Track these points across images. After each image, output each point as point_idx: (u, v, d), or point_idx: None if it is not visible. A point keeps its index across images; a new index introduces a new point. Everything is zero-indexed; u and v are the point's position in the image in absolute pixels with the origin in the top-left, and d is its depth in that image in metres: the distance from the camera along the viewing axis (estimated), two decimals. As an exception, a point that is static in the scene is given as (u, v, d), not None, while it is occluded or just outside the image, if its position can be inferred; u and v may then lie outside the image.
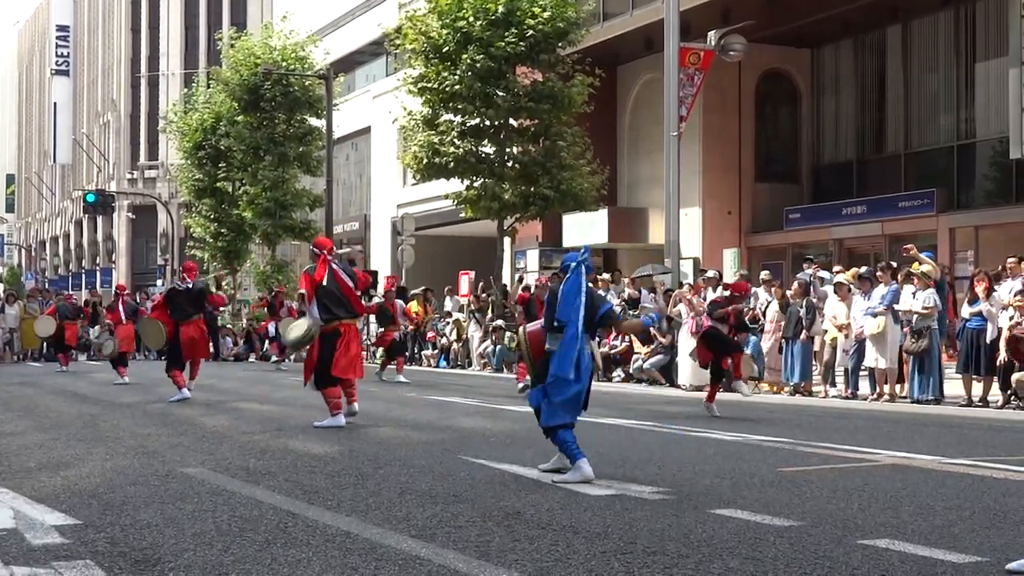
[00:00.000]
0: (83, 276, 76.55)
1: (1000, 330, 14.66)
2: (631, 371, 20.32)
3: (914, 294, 15.47)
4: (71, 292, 53.07)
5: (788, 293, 17.84)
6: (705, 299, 19.33)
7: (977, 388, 15.18)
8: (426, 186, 33.12)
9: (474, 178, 27.05)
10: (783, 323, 17.62)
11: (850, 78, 29.26)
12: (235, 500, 6.69)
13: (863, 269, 17.54)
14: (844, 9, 26.24)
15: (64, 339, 25.26)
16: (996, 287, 15.20)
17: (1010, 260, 15.99)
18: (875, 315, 15.82)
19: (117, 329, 19.70)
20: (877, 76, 28.61)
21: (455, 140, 26.86)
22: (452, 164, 26.76)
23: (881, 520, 6.09)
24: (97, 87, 78.07)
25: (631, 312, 21.02)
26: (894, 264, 16.57)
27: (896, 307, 15.62)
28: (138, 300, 21.71)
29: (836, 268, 20.04)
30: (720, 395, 13.59)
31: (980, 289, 15.11)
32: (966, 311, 15.33)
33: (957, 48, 26.23)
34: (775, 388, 17.77)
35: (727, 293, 14.51)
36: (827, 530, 5.79)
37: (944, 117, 26.84)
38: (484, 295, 27.10)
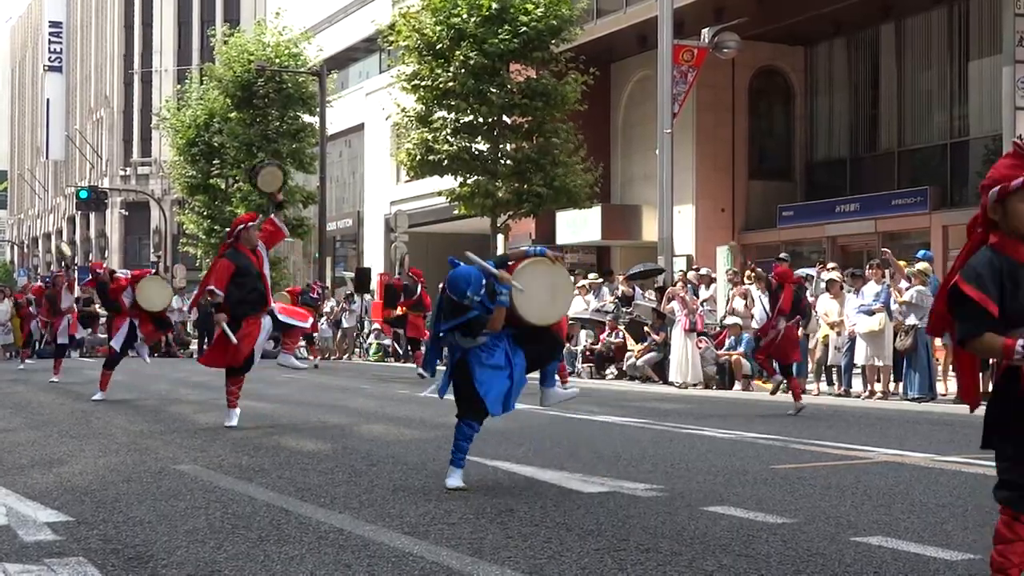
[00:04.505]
0: (76, 272, 76.43)
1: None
2: (624, 368, 20.34)
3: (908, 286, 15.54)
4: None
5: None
6: (698, 296, 19.40)
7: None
8: (420, 183, 33.12)
9: (467, 175, 27.06)
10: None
11: (844, 76, 29.29)
12: (228, 497, 6.69)
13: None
14: (838, 7, 26.26)
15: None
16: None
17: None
18: (871, 313, 15.84)
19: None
20: (871, 74, 28.64)
21: (448, 137, 26.87)
22: (446, 161, 26.78)
23: (874, 517, 6.10)
24: (90, 83, 77.92)
25: (625, 310, 21.11)
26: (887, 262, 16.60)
27: (897, 299, 15.59)
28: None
29: (831, 265, 20.06)
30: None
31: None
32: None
33: (950, 46, 26.27)
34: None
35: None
36: (820, 527, 5.80)
37: (937, 115, 26.88)
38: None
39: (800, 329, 14.01)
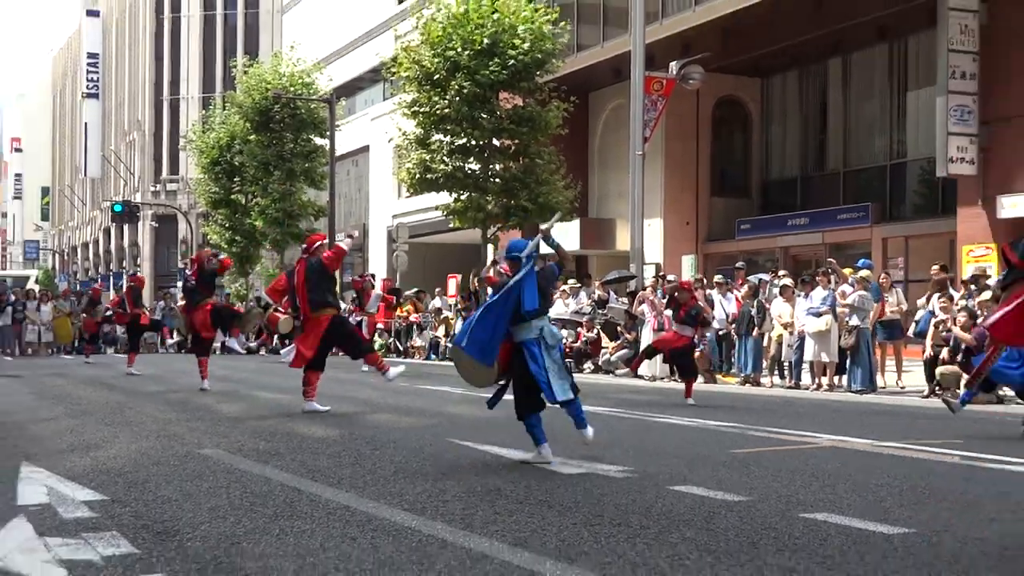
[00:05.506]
0: (111, 278, 76.28)
1: (945, 327, 14.74)
2: (600, 363, 20.37)
3: (851, 291, 15.61)
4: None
5: (739, 295, 17.89)
6: (666, 300, 19.41)
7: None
8: (418, 199, 33.10)
9: (461, 192, 27.05)
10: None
11: (796, 104, 29.36)
12: (247, 478, 6.69)
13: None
14: (791, 43, 26.31)
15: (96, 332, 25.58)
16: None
17: (934, 268, 16.12)
18: (819, 314, 15.92)
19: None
20: (820, 102, 28.71)
21: (444, 158, 26.87)
22: (442, 179, 26.79)
23: (820, 496, 6.13)
24: (124, 109, 77.70)
25: (600, 311, 21.15)
26: (831, 270, 16.67)
27: (841, 302, 15.67)
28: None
29: (783, 272, 20.09)
30: (681, 385, 13.56)
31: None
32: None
33: (891, 78, 26.36)
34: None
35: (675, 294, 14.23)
36: (772, 504, 5.83)
37: (879, 139, 26.96)
38: (468, 292, 27.11)
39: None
